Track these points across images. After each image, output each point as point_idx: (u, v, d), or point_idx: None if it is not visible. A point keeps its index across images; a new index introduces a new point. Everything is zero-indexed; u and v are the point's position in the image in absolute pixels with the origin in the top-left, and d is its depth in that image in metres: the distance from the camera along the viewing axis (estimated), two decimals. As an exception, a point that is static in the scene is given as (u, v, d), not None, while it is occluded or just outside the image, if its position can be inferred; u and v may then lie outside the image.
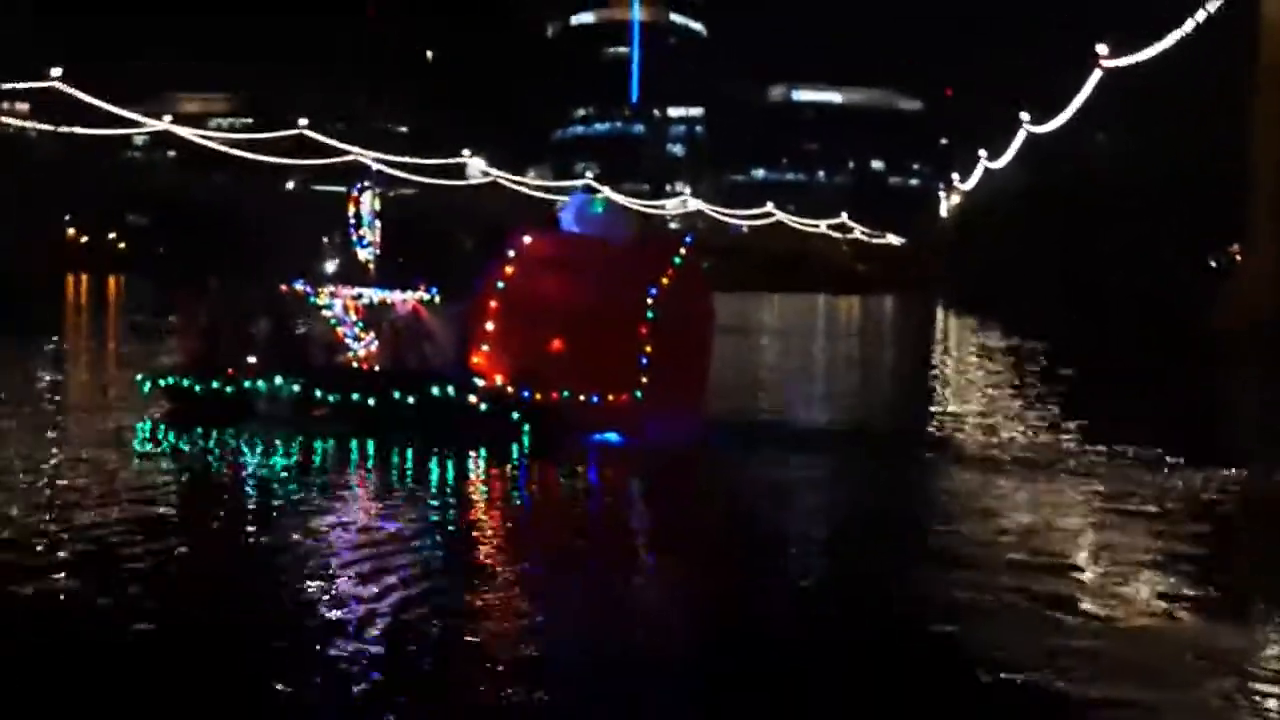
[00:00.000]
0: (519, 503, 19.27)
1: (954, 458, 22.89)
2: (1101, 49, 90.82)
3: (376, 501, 18.35)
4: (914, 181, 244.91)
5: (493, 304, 22.88)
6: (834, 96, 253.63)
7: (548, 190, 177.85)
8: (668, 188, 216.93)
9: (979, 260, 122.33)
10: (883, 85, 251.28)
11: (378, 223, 25.35)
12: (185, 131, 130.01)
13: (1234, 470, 21.25)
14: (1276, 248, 61.33)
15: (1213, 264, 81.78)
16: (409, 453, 21.34)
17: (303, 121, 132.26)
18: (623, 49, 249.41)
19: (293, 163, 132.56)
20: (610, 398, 22.78)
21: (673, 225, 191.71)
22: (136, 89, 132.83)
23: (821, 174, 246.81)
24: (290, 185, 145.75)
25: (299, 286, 24.83)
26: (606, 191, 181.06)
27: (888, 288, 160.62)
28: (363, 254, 25.18)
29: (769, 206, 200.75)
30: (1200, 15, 71.60)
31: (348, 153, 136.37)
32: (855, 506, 19.33)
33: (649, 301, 23.12)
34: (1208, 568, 14.72)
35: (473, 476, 20.46)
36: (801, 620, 12.78)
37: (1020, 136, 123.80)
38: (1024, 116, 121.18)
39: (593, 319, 22.62)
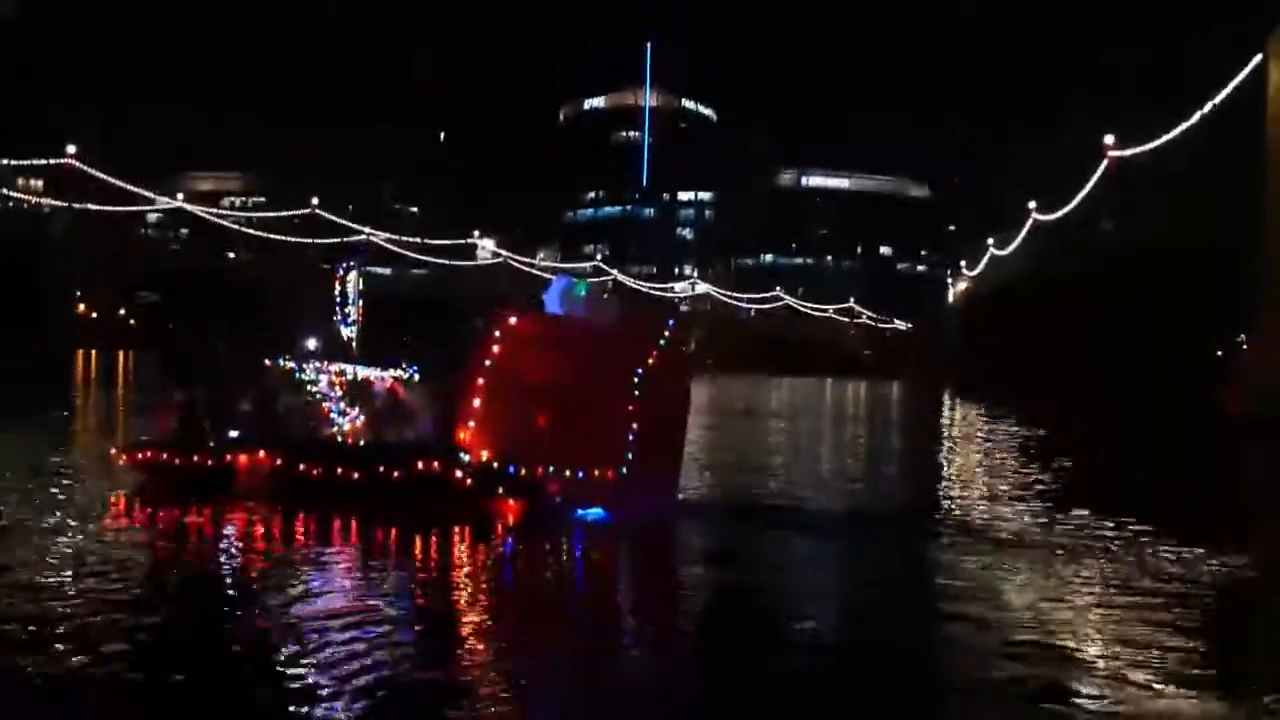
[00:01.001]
0: (505, 580, 19.28)
1: (960, 539, 22.90)
2: (1109, 139, 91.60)
3: (358, 578, 18.30)
4: (922, 268, 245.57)
5: (479, 381, 23.26)
6: (843, 182, 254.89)
7: (557, 272, 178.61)
8: (676, 270, 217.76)
9: (987, 346, 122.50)
10: (892, 172, 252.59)
11: (360, 301, 25.84)
12: (197, 209, 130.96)
13: (1238, 554, 21.26)
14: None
15: (1219, 353, 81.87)
16: (392, 529, 21.39)
17: (314, 200, 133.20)
18: (634, 133, 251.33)
19: (305, 241, 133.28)
20: (596, 474, 23.24)
21: (682, 308, 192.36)
22: (150, 167, 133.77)
23: (830, 259, 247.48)
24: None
25: (284, 361, 25.18)
26: (615, 274, 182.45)
27: (895, 373, 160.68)
28: (346, 331, 25.67)
29: (777, 290, 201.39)
30: (1207, 107, 72.14)
31: (359, 231, 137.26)
32: (856, 587, 19.33)
33: (636, 380, 23.82)
34: (1209, 653, 14.70)
35: (457, 553, 20.48)
36: (794, 704, 12.74)
37: (1028, 224, 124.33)
38: (1031, 204, 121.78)
39: (579, 396, 23.12)
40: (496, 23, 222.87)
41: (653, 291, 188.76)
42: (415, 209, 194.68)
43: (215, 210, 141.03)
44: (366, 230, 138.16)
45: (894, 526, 25.67)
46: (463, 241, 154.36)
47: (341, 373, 24.99)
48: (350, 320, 25.72)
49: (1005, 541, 22.67)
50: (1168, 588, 18.63)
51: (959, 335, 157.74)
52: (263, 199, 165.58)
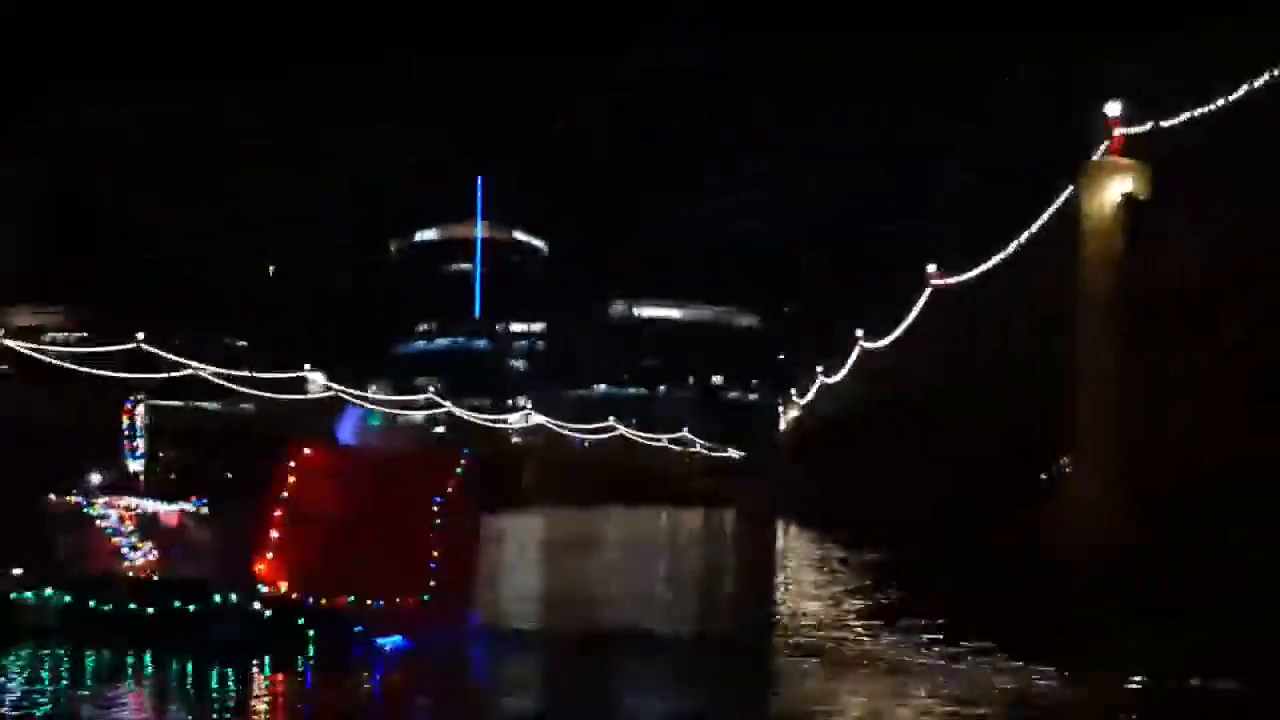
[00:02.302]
0: (304, 714, 18.88)
1: (791, 659, 22.98)
2: (931, 268, 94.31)
3: (154, 715, 17.70)
4: (753, 396, 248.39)
5: (277, 512, 23.14)
6: (674, 313, 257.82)
7: (390, 404, 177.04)
8: (510, 402, 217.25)
9: (819, 472, 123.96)
10: (722, 302, 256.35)
11: (144, 435, 25.56)
12: (16, 344, 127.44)
13: (1052, 669, 21.67)
14: (1101, 466, 62.93)
15: (1043, 476, 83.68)
16: (188, 664, 20.83)
17: (139, 335, 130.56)
18: (466, 265, 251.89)
19: (129, 376, 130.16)
20: (398, 601, 23.13)
21: (515, 440, 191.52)
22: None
23: (662, 388, 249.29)
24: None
25: (71, 497, 24.66)
26: (449, 405, 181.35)
27: (730, 502, 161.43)
28: (133, 465, 25.34)
29: (610, 420, 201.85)
30: (1023, 237, 74.56)
31: (187, 366, 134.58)
32: (688, 713, 19.24)
33: (435, 509, 23.95)
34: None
35: (256, 687, 20.01)
36: None
37: (855, 352, 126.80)
38: (859, 332, 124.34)
39: (378, 526, 23.25)
40: (327, 152, 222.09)
41: (487, 423, 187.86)
42: (245, 342, 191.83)
43: (35, 346, 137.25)
44: (193, 364, 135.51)
45: (724, 648, 25.69)
46: (294, 375, 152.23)
47: (130, 508, 24.56)
48: (139, 454, 25.35)
49: (842, 661, 22.79)
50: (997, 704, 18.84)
51: (791, 462, 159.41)
52: (85, 334, 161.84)
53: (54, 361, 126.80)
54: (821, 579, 45.88)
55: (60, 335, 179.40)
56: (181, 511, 24.76)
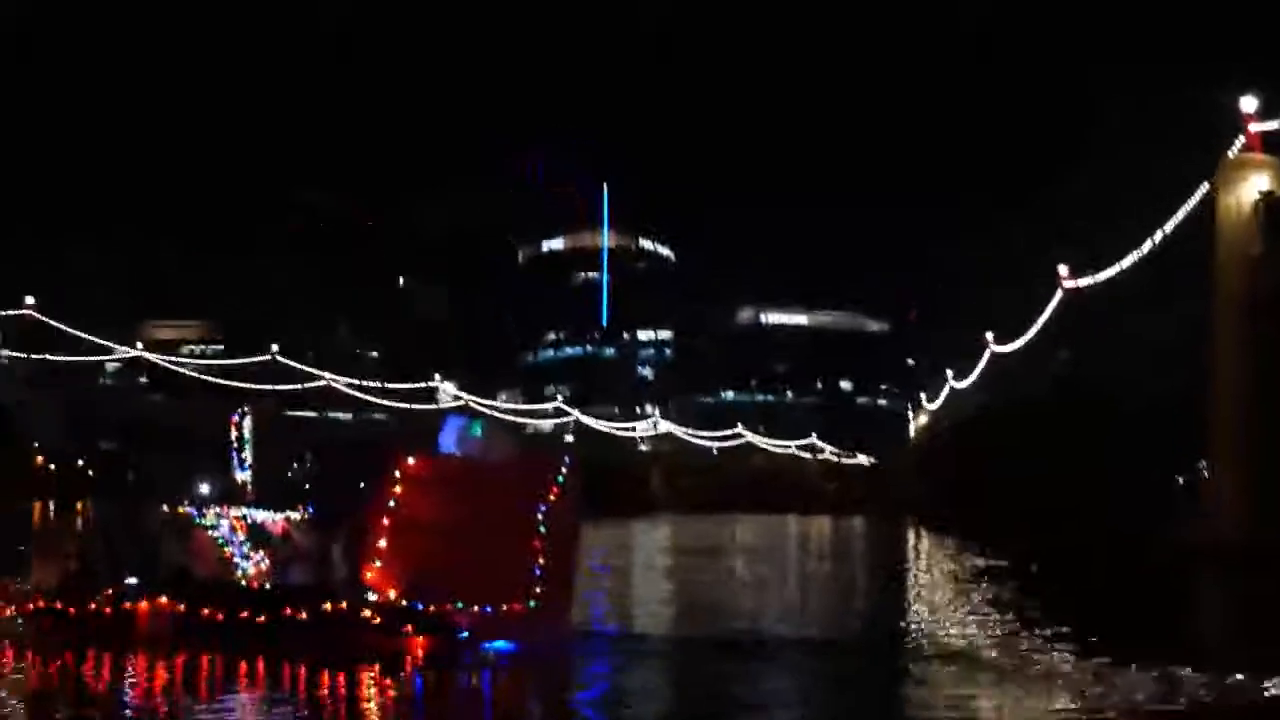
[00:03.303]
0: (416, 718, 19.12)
1: (926, 668, 22.84)
2: (1063, 269, 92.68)
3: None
4: (882, 401, 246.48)
5: (384, 521, 23.53)
6: (801, 319, 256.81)
7: (519, 413, 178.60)
8: (637, 409, 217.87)
9: (948, 478, 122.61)
10: (850, 308, 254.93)
11: (251, 446, 26.11)
12: (156, 357, 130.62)
13: (1194, 673, 21.27)
14: (1239, 470, 61.64)
15: (1180, 480, 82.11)
16: (301, 671, 21.15)
17: (274, 347, 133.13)
18: (593, 274, 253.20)
19: (265, 388, 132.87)
20: (504, 607, 23.47)
21: (643, 447, 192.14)
22: (109, 316, 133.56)
23: (790, 394, 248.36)
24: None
25: (183, 508, 25.19)
26: (576, 414, 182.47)
27: (858, 508, 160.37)
28: (241, 476, 25.88)
29: (739, 428, 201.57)
30: (1158, 236, 73.10)
31: (319, 377, 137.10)
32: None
33: (539, 516, 24.22)
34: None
35: (367, 693, 20.29)
36: None
37: (985, 356, 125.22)
38: (989, 336, 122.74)
39: (483, 532, 23.56)
40: (455, 161, 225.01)
41: (615, 431, 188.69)
42: (375, 353, 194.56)
43: (174, 358, 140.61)
44: (326, 375, 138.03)
45: (860, 656, 25.53)
46: (424, 385, 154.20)
47: (242, 517, 25.08)
48: (246, 465, 25.95)
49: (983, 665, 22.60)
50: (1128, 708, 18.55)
51: (922, 468, 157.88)
52: (221, 346, 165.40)
53: (191, 374, 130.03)
54: (954, 584, 45.46)
55: (198, 348, 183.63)
56: (288, 519, 25.26)
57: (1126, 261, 77.82)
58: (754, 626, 30.34)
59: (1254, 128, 64.55)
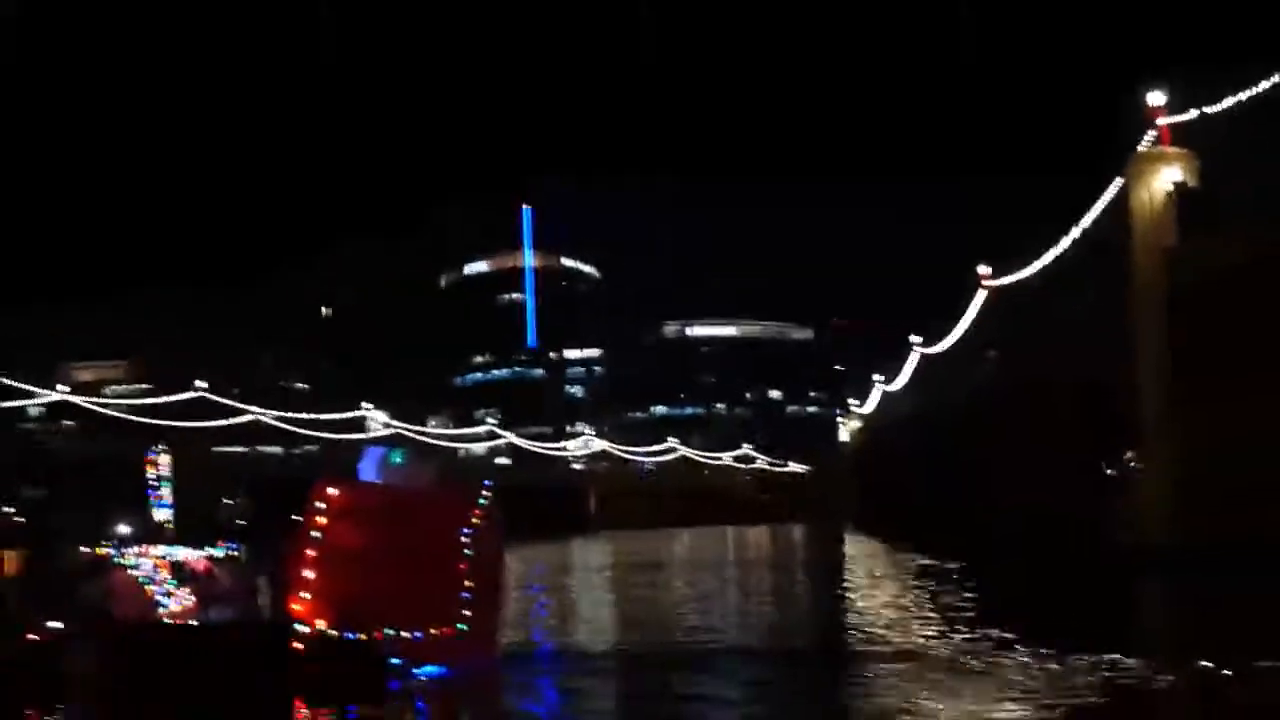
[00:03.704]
0: None
1: (874, 666, 23.06)
2: (984, 269, 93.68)
3: None
4: (812, 409, 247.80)
5: (310, 552, 23.50)
6: (728, 330, 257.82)
7: (450, 439, 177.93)
8: (569, 429, 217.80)
9: (881, 482, 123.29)
10: (774, 318, 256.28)
11: (169, 484, 26.04)
12: (81, 399, 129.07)
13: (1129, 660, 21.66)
14: (1164, 465, 62.32)
15: (1109, 472, 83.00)
16: (226, 709, 21.08)
17: (201, 384, 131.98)
18: (517, 295, 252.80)
19: (192, 425, 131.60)
20: (434, 632, 23.64)
21: (576, 466, 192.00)
22: (29, 361, 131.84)
23: (721, 406, 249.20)
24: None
25: (102, 548, 25.03)
26: (509, 436, 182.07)
27: (795, 516, 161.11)
28: (160, 514, 25.75)
29: (671, 442, 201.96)
30: (1075, 232, 73.94)
31: (246, 411, 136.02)
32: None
33: (465, 540, 24.42)
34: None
35: None
36: None
37: (912, 358, 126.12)
38: (914, 339, 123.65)
39: (409, 559, 23.71)
40: (375, 188, 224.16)
41: (548, 451, 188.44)
42: (303, 385, 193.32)
43: (98, 399, 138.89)
44: (253, 409, 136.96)
45: (807, 662, 25.70)
46: (352, 414, 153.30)
47: (163, 556, 24.95)
48: (165, 503, 25.83)
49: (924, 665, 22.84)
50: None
51: (854, 473, 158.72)
52: (147, 386, 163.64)
53: (117, 414, 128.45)
54: (895, 587, 45.82)
55: (122, 388, 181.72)
56: (210, 556, 25.16)
57: (1046, 259, 78.73)
58: (698, 638, 30.42)
59: (1162, 121, 65.51)
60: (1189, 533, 55.42)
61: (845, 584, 50.48)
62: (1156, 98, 65.61)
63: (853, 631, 30.88)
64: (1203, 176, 64.62)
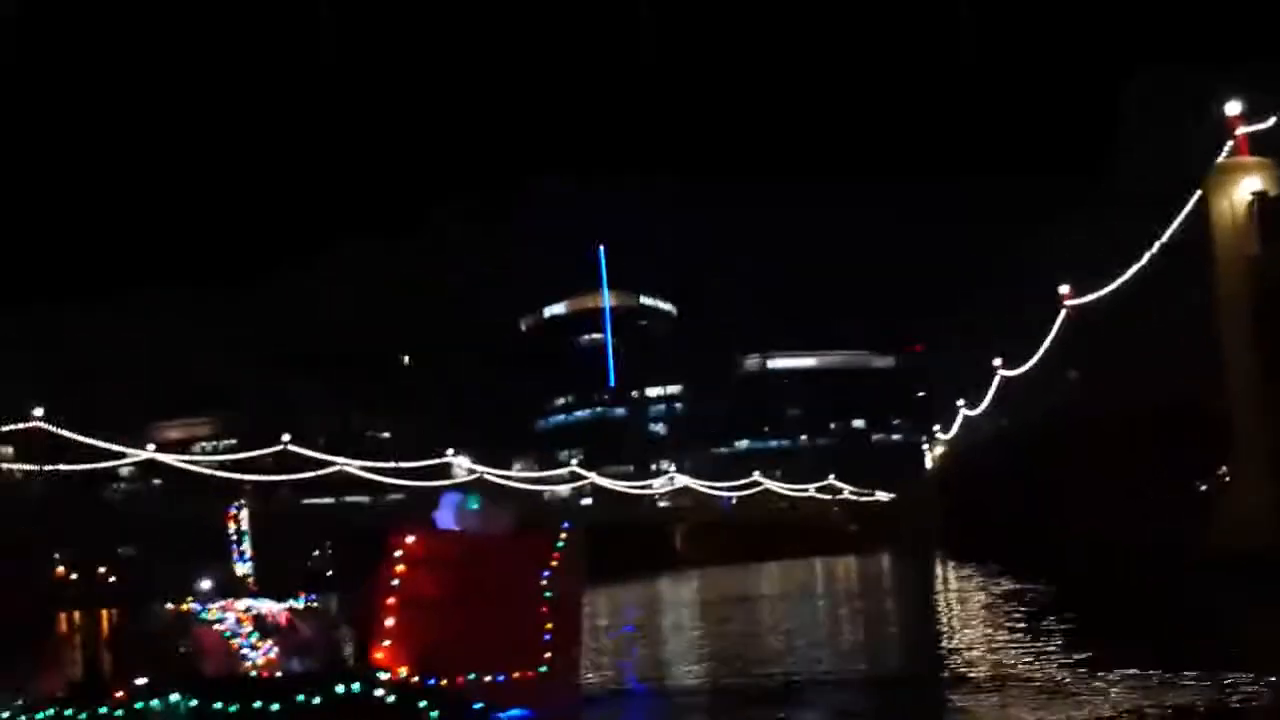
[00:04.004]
0: None
1: (970, 696, 22.76)
2: (1064, 289, 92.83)
3: None
4: (896, 436, 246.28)
5: (390, 600, 23.62)
6: (808, 361, 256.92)
7: (534, 481, 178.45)
8: (653, 466, 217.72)
9: (969, 507, 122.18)
10: (854, 346, 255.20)
11: (249, 538, 26.36)
12: (168, 458, 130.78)
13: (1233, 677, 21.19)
14: (1261, 474, 61.30)
15: (1203, 488, 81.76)
16: None
17: (285, 437, 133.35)
18: (597, 335, 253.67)
19: (279, 479, 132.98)
20: (516, 675, 23.66)
21: (662, 504, 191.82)
22: (118, 421, 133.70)
23: (804, 438, 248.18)
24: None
25: (187, 604, 25.23)
26: (592, 476, 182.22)
27: (882, 545, 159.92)
28: (241, 568, 25.99)
29: (755, 475, 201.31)
30: (1155, 247, 73.20)
31: (331, 463, 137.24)
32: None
33: (544, 583, 24.38)
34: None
35: None
36: None
37: (995, 382, 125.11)
38: (997, 361, 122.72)
39: (489, 604, 23.81)
40: (449, 234, 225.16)
41: (632, 490, 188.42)
42: (387, 434, 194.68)
43: (186, 457, 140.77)
44: (339, 460, 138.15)
45: (891, 687, 25.42)
46: (437, 461, 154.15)
47: (245, 609, 25.16)
48: (246, 557, 26.09)
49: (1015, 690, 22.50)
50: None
51: (939, 499, 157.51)
52: (234, 441, 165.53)
53: (204, 471, 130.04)
54: (985, 612, 45.25)
55: (209, 444, 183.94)
56: (291, 608, 25.34)
57: (1127, 274, 77.94)
58: (789, 670, 30.21)
59: (1241, 130, 64.79)
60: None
61: (935, 610, 49.93)
62: (1233, 107, 64.92)
63: (944, 657, 30.49)
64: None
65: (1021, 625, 37.21)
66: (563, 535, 26.48)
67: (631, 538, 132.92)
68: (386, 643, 23.48)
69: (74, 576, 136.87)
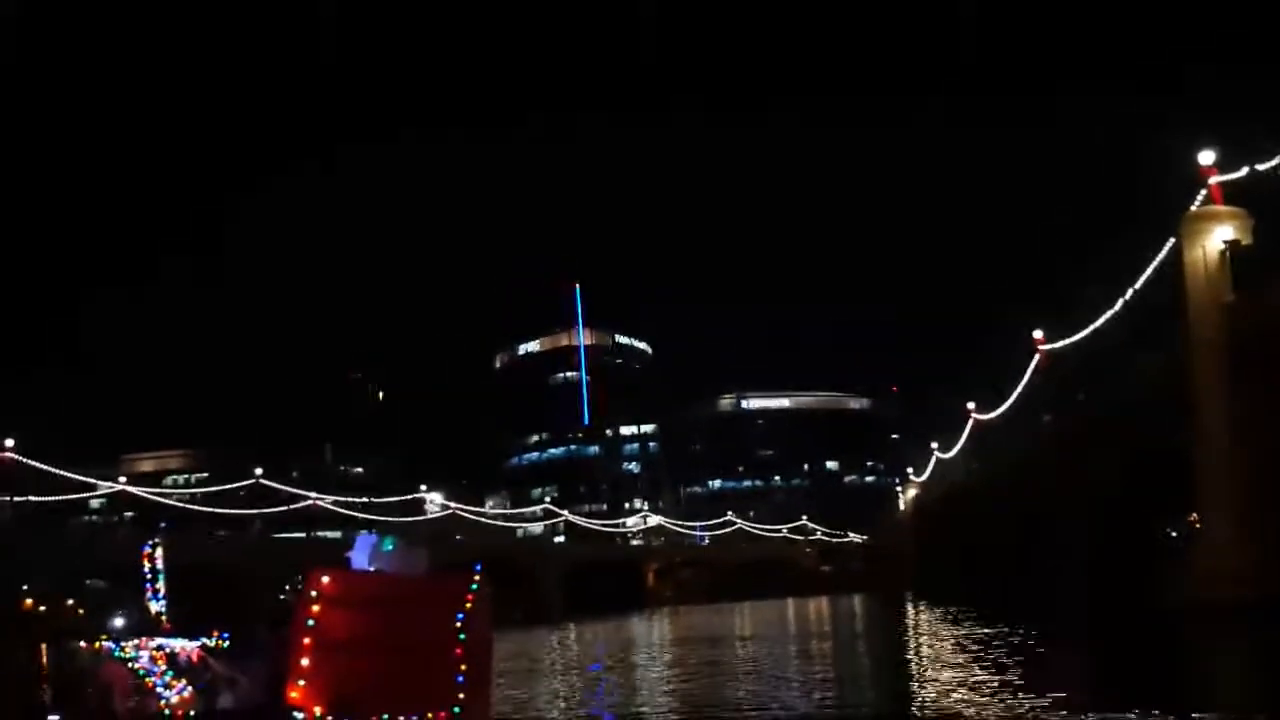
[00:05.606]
0: None
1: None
2: (1038, 334, 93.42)
3: None
4: (870, 478, 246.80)
5: (305, 640, 23.64)
6: (783, 402, 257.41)
7: (506, 519, 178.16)
8: (626, 505, 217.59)
9: (941, 549, 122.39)
10: (829, 388, 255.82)
11: (164, 576, 26.43)
12: (139, 490, 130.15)
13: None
14: (1231, 521, 61.53)
15: (1173, 534, 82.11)
16: None
17: (258, 471, 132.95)
18: (571, 373, 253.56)
19: (251, 513, 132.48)
20: (430, 716, 23.78)
21: (635, 542, 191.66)
22: (88, 453, 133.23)
23: (778, 479, 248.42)
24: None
25: (101, 641, 25.21)
26: (565, 514, 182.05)
27: (854, 586, 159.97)
28: (155, 606, 26.03)
29: (728, 515, 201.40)
30: (1128, 293, 73.70)
31: (304, 498, 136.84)
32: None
33: (458, 624, 24.55)
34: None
35: None
36: None
37: (969, 425, 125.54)
38: (970, 405, 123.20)
39: (404, 645, 23.85)
40: (428, 272, 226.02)
41: (605, 528, 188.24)
42: (360, 469, 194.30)
43: (157, 490, 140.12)
44: (311, 494, 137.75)
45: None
46: (410, 497, 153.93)
47: (159, 647, 25.15)
48: (160, 596, 26.14)
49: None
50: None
51: (912, 541, 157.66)
52: (205, 474, 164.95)
53: (176, 504, 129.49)
54: (956, 656, 45.25)
55: (182, 478, 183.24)
56: (203, 646, 25.37)
57: (1098, 322, 78.48)
58: (762, 713, 30.18)
59: (1214, 180, 65.32)
60: (1259, 584, 54.69)
61: (905, 653, 49.99)
62: (1207, 156, 65.48)
63: (911, 697, 30.55)
64: (1256, 233, 64.41)
65: (996, 671, 37.25)
66: (475, 578, 26.69)
67: (603, 577, 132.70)
68: (301, 682, 23.53)
69: (42, 609, 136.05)
